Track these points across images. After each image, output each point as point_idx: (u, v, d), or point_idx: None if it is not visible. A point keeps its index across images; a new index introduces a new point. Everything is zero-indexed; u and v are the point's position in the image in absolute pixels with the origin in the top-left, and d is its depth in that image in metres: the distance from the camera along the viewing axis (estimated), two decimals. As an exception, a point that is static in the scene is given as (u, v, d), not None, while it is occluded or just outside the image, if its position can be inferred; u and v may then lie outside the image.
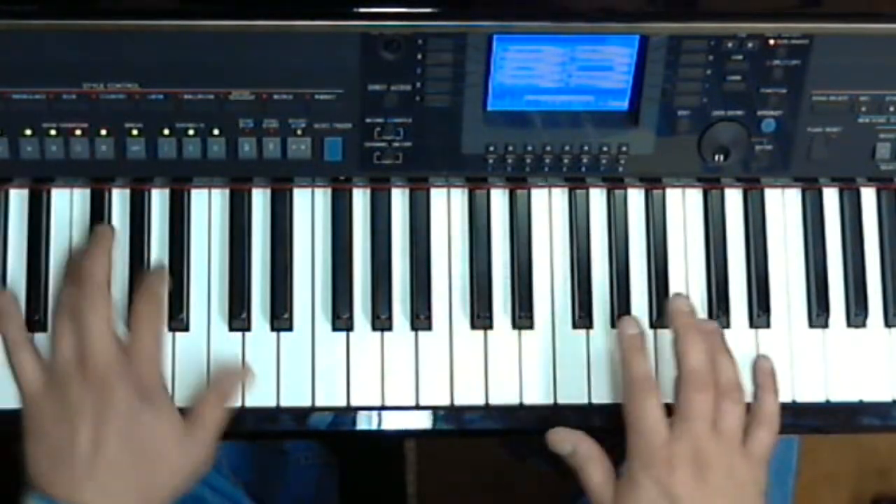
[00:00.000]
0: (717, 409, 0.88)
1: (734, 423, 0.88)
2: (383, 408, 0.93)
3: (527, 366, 0.94)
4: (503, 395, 0.93)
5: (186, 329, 0.92)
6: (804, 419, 0.95)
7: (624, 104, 0.90)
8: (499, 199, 0.95)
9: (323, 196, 0.94)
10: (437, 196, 0.95)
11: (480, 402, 0.93)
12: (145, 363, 0.87)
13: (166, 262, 0.92)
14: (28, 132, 0.88)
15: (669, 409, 0.88)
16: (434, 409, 0.93)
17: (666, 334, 0.94)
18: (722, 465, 0.87)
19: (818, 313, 0.95)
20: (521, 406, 0.93)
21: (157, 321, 0.89)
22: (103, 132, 0.89)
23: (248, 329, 0.93)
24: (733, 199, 0.97)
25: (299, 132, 0.89)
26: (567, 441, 0.90)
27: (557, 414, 0.93)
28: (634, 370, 0.90)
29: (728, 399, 0.88)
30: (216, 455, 0.88)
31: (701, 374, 0.88)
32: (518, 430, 0.93)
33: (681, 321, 0.91)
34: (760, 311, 0.95)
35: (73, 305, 0.87)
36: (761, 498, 0.89)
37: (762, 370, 0.93)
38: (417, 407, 0.93)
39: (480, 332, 0.94)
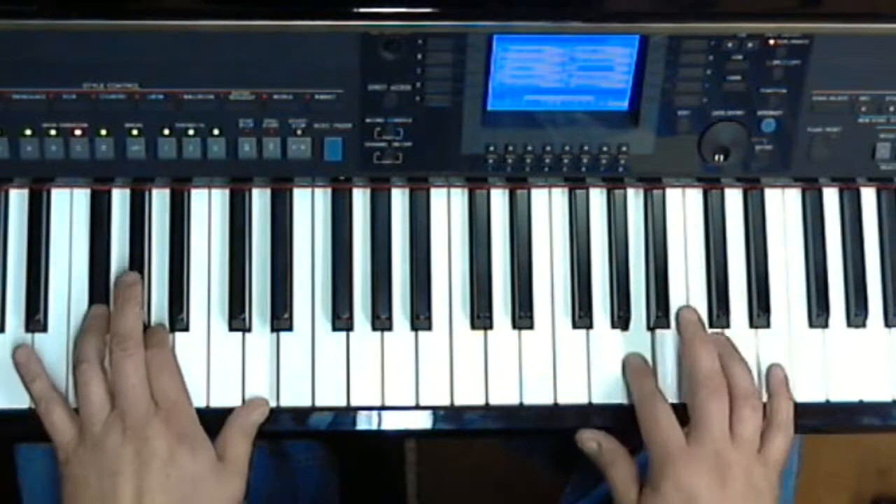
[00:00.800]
0: (734, 416, 0.89)
1: (752, 429, 0.89)
2: (383, 408, 0.93)
3: (527, 366, 0.94)
4: (503, 395, 0.93)
5: (186, 329, 0.92)
6: (804, 419, 0.95)
7: (624, 104, 0.90)
8: (499, 199, 0.95)
9: (323, 196, 0.94)
10: (437, 196, 0.95)
11: (480, 402, 0.93)
12: (176, 406, 0.88)
13: (166, 262, 0.93)
14: (28, 132, 0.88)
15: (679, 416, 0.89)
16: (434, 409, 0.93)
17: (666, 335, 0.94)
18: (741, 470, 0.87)
19: (818, 313, 0.95)
20: (521, 406, 0.93)
21: (174, 365, 0.90)
22: (103, 132, 0.89)
23: (248, 329, 0.93)
24: (733, 199, 0.97)
25: (299, 132, 0.89)
26: (594, 440, 0.92)
27: (557, 414, 0.93)
28: (643, 389, 0.91)
29: (746, 405, 0.89)
30: (248, 487, 0.89)
31: (714, 379, 0.89)
32: (518, 430, 0.93)
33: (690, 330, 0.93)
34: (760, 311, 0.95)
35: (98, 356, 0.88)
36: (776, 501, 0.89)
37: (776, 377, 0.93)
38: (417, 407, 0.93)
39: (480, 332, 0.94)
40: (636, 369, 0.93)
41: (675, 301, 0.95)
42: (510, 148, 0.91)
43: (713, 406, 0.88)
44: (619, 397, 0.93)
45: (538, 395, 0.93)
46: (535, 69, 0.88)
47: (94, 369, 0.87)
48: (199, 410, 0.90)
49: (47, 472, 1.01)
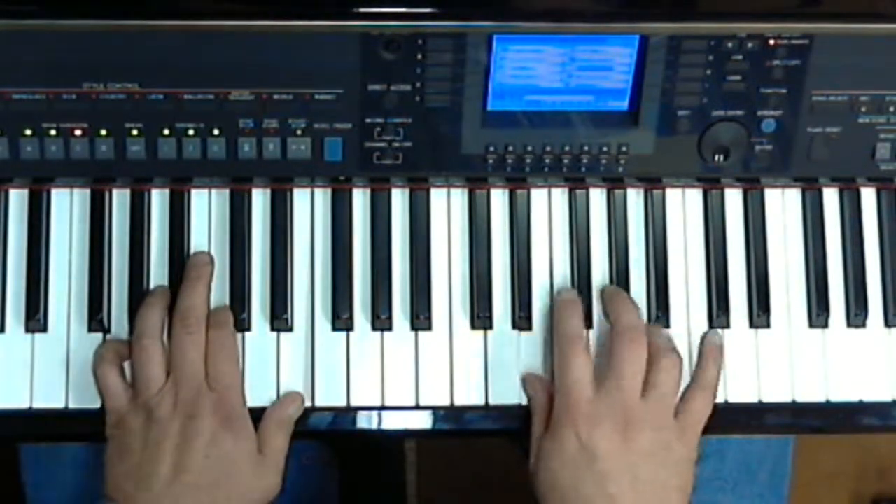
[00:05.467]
0: (651, 368, 0.88)
1: (668, 385, 0.88)
2: (383, 408, 0.93)
3: (526, 366, 0.93)
4: (503, 395, 0.93)
5: (186, 329, 0.92)
6: (804, 419, 0.95)
7: (624, 104, 0.90)
8: (499, 199, 0.95)
9: (323, 196, 0.94)
10: (437, 196, 0.95)
11: (480, 402, 0.93)
12: (228, 390, 0.88)
13: (166, 262, 0.93)
14: (28, 132, 0.88)
15: None
16: (434, 409, 0.93)
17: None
18: (649, 426, 0.86)
19: (818, 313, 0.95)
20: (521, 406, 0.93)
21: (233, 349, 0.90)
22: (103, 132, 0.89)
23: (249, 329, 0.93)
24: (733, 199, 0.97)
25: (299, 132, 0.89)
26: (529, 386, 0.91)
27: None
28: (566, 328, 0.90)
29: (663, 357, 0.88)
30: (287, 483, 0.90)
31: (634, 330, 0.88)
32: (518, 431, 0.93)
33: (612, 291, 0.92)
34: (760, 311, 0.95)
35: (158, 333, 0.89)
36: (691, 467, 0.88)
37: (711, 342, 0.93)
38: (417, 407, 0.93)
39: (480, 332, 0.94)
40: (565, 304, 0.91)
41: (676, 301, 0.95)
42: (510, 148, 0.91)
43: (628, 355, 0.87)
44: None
45: (538, 395, 0.93)
46: (535, 69, 0.88)
47: (154, 344, 0.88)
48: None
49: (54, 476, 1.01)
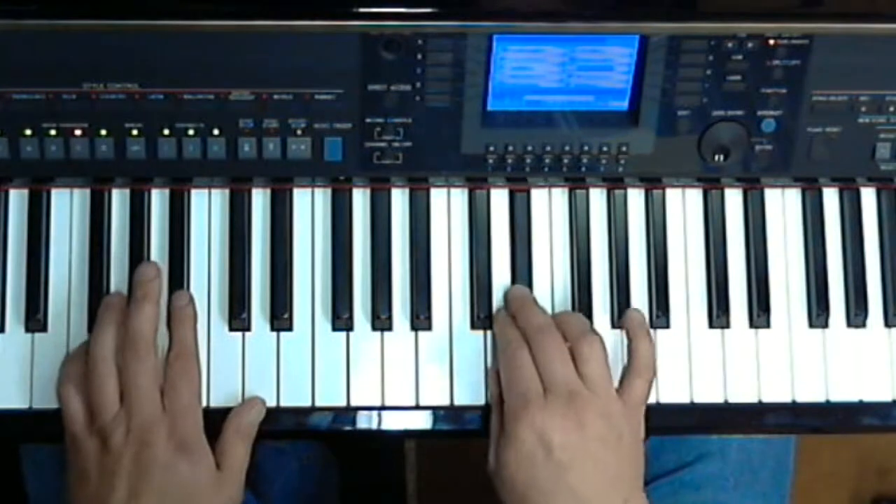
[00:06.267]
0: (577, 357, 0.88)
1: (597, 367, 0.88)
2: (383, 408, 0.93)
3: (527, 366, 0.93)
4: (503, 395, 0.93)
5: (186, 329, 0.92)
6: (804, 419, 0.95)
7: (624, 104, 0.90)
8: (499, 199, 0.95)
9: (323, 196, 0.94)
10: (437, 196, 0.95)
11: (480, 402, 0.93)
12: (184, 416, 0.87)
13: (166, 262, 0.93)
14: (28, 132, 0.88)
15: None
16: (434, 409, 0.93)
17: (666, 335, 0.94)
18: (597, 412, 0.86)
19: (818, 313, 0.95)
20: (521, 406, 0.93)
21: (194, 375, 0.89)
22: (103, 132, 0.89)
23: (248, 329, 0.93)
24: (733, 199, 0.97)
25: (299, 132, 0.89)
26: (493, 382, 0.91)
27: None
28: (508, 334, 0.90)
29: (582, 343, 0.88)
30: (244, 492, 0.89)
31: (543, 325, 0.89)
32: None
33: (518, 300, 0.92)
34: (760, 311, 0.95)
35: (114, 350, 0.87)
36: (639, 445, 0.89)
37: (633, 320, 0.93)
38: (417, 407, 0.93)
39: (480, 332, 0.94)
40: (501, 320, 0.92)
41: (675, 301, 0.95)
42: (510, 148, 0.91)
43: (549, 346, 0.88)
44: (619, 397, 0.93)
45: (538, 395, 0.93)
46: (535, 69, 0.88)
47: (107, 367, 0.87)
48: (199, 410, 0.90)
49: (56, 479, 1.01)
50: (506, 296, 0.93)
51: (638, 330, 0.92)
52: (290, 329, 0.93)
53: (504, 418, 0.88)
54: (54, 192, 0.93)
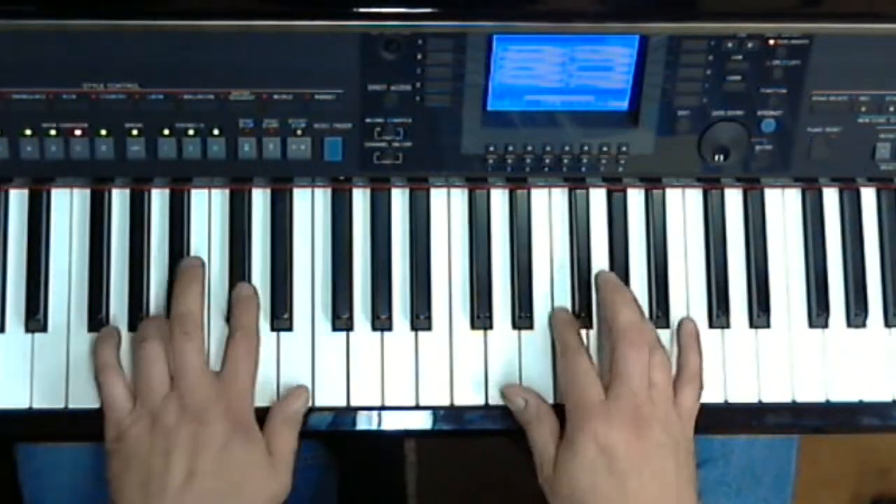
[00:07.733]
0: (650, 365, 0.88)
1: (666, 377, 0.89)
2: (383, 408, 0.93)
3: (527, 366, 0.94)
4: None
5: (186, 329, 0.92)
6: (804, 419, 0.95)
7: (624, 104, 0.90)
8: (499, 199, 0.95)
9: (323, 196, 0.94)
10: (437, 196, 0.95)
11: (480, 402, 0.93)
12: (239, 397, 0.87)
13: (166, 262, 0.93)
14: (28, 132, 0.88)
15: None
16: (434, 409, 0.93)
17: (666, 335, 0.94)
18: (658, 420, 0.87)
19: (818, 313, 0.95)
20: (521, 406, 0.93)
21: (253, 357, 0.90)
22: (103, 132, 0.89)
23: (249, 329, 0.93)
24: (733, 199, 0.97)
25: (299, 132, 0.89)
26: (520, 396, 0.91)
27: (558, 413, 0.93)
28: (566, 339, 0.91)
29: (656, 354, 0.89)
30: (294, 482, 0.89)
31: (635, 330, 0.89)
32: (518, 431, 0.93)
33: (610, 285, 0.92)
34: (760, 311, 0.95)
35: (161, 336, 0.87)
36: (692, 455, 0.89)
37: (686, 331, 0.93)
38: (417, 407, 0.93)
39: (480, 332, 0.94)
40: (562, 322, 0.92)
41: (675, 301, 0.95)
42: (510, 148, 0.91)
43: (633, 356, 0.88)
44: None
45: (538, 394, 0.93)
46: (535, 69, 0.88)
47: (156, 348, 0.87)
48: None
49: (53, 483, 1.01)
50: (597, 278, 0.94)
51: (689, 341, 0.93)
52: (289, 329, 0.93)
53: (567, 424, 0.88)
54: (54, 192, 0.93)
